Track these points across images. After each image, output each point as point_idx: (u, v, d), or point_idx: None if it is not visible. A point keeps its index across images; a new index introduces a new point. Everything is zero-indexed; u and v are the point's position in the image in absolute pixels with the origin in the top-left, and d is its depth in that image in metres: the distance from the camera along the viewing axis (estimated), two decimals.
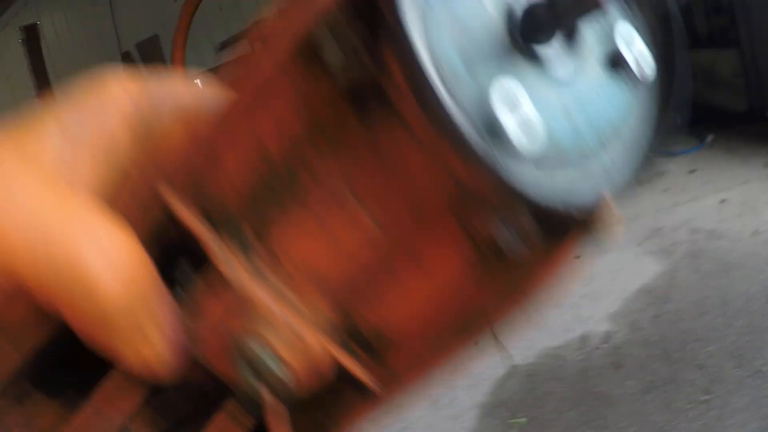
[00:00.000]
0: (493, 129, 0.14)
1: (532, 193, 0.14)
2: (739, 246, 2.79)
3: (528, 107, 0.14)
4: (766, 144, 3.74)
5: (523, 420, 2.28)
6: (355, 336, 0.19)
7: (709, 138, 4.03)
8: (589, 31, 0.17)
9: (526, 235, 0.15)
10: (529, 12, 0.16)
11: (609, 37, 0.17)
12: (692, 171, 3.78)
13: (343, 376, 0.18)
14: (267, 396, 0.16)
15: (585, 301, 2.80)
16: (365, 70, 0.15)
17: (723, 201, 3.25)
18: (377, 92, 0.15)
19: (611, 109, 0.17)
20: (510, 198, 0.14)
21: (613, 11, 0.18)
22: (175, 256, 0.18)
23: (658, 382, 2.28)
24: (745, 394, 2.03)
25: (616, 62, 0.17)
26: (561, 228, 0.16)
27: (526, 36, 0.15)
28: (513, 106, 0.14)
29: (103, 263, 0.16)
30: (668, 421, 2.09)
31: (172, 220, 0.17)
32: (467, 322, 0.18)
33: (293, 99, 0.16)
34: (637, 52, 0.17)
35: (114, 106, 0.19)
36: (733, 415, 1.97)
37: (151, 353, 0.17)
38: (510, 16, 0.16)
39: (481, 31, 0.15)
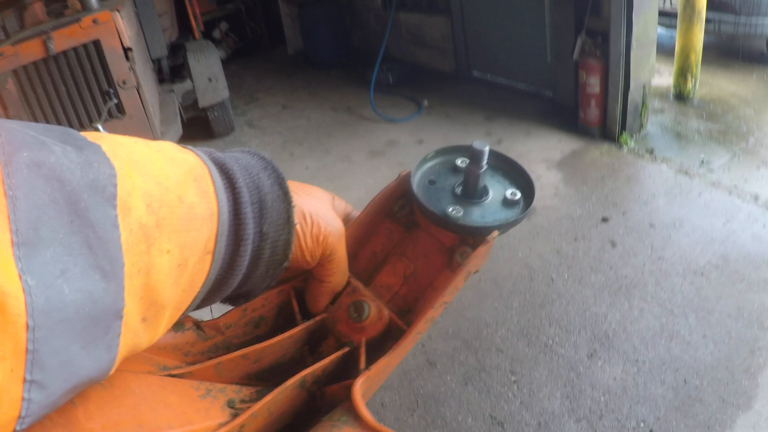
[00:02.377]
0: (447, 216, 0.63)
1: (461, 228, 0.65)
2: None
3: (460, 210, 0.63)
4: (479, 109, 4.53)
5: None
6: (403, 309, 0.67)
7: (425, 103, 4.59)
8: (498, 191, 0.68)
9: (467, 248, 0.65)
10: (461, 191, 0.67)
11: (505, 193, 0.68)
12: (420, 141, 4.22)
13: (392, 324, 0.64)
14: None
15: None
16: (412, 218, 0.70)
17: None
18: (414, 223, 0.70)
19: (499, 215, 0.66)
20: (457, 231, 0.65)
21: (510, 185, 0.70)
22: None
23: (471, 372, 2.49)
24: (543, 368, 2.46)
25: (506, 199, 0.67)
26: (480, 239, 0.64)
27: (459, 197, 0.67)
28: (455, 210, 0.63)
29: (343, 252, 0.61)
30: (493, 406, 2.32)
31: None
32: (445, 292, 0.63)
33: (386, 230, 0.71)
34: (511, 194, 0.67)
35: (343, 201, 0.67)
36: (540, 389, 2.37)
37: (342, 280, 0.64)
38: (455, 190, 0.67)
39: (447, 192, 0.67)
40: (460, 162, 0.71)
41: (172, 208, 0.39)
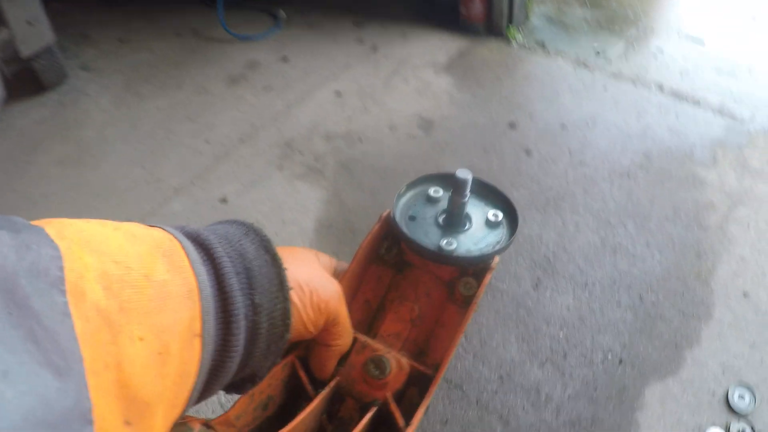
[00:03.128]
0: (441, 251, 0.66)
1: (465, 261, 0.69)
2: (387, 145, 2.90)
3: (452, 242, 0.67)
4: (346, 14, 3.96)
5: None
6: (415, 353, 0.68)
7: (282, 14, 3.92)
8: (478, 214, 0.71)
9: (469, 279, 0.69)
10: (444, 221, 0.70)
11: (486, 215, 0.71)
12: (284, 59, 3.58)
13: (413, 371, 0.65)
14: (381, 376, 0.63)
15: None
16: (401, 258, 0.73)
17: (338, 93, 3.26)
18: (405, 263, 0.73)
19: (489, 238, 0.70)
20: (459, 264, 0.70)
21: (486, 205, 0.73)
22: None
23: None
24: (488, 310, 2.15)
25: (488, 222, 0.71)
26: (483, 270, 0.69)
27: (444, 228, 0.70)
28: (448, 243, 0.66)
29: (346, 313, 0.61)
30: None
31: None
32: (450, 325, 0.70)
33: (375, 275, 0.73)
34: (494, 215, 0.71)
35: (326, 255, 0.66)
36: (491, 336, 2.05)
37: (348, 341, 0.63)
38: (438, 221, 0.71)
39: (431, 225, 0.70)
40: (433, 192, 0.73)
41: (138, 288, 0.36)
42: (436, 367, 0.65)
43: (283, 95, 3.29)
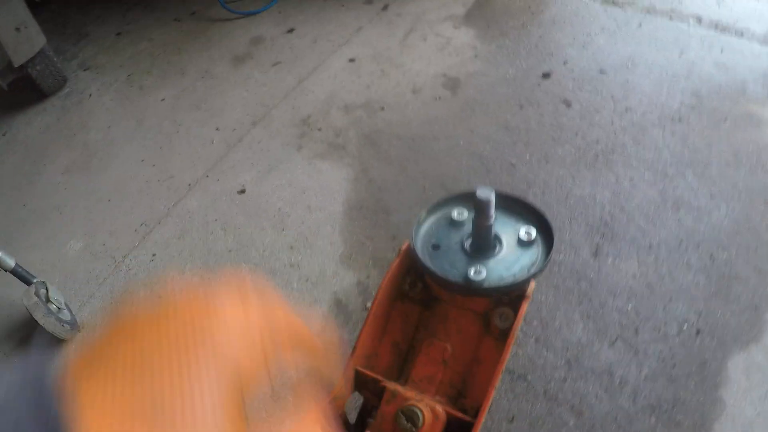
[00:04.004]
0: (470, 282, 0.60)
1: (497, 291, 0.62)
2: (412, 110, 2.68)
3: (481, 270, 0.61)
4: None
5: None
6: (452, 396, 0.63)
7: None
8: (508, 233, 0.65)
9: (504, 309, 0.63)
10: (471, 246, 0.64)
11: (517, 233, 0.65)
12: (290, 30, 3.36)
13: (450, 418, 0.59)
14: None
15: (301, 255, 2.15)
16: (427, 293, 0.66)
17: (352, 60, 3.04)
18: (432, 298, 0.66)
19: (522, 260, 0.63)
20: (483, 294, 0.63)
21: (517, 222, 0.67)
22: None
23: None
24: (546, 287, 1.99)
25: (521, 241, 0.64)
26: (519, 298, 0.62)
27: (471, 254, 0.64)
28: (476, 272, 0.60)
29: None
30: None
31: (365, 382, 0.64)
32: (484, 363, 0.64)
33: (401, 313, 0.68)
34: (526, 233, 0.64)
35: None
36: (553, 316, 1.90)
37: None
38: (464, 247, 0.65)
39: (457, 252, 0.64)
40: (457, 215, 0.67)
41: None
42: (476, 411, 0.60)
43: (294, 69, 3.07)
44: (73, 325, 2.05)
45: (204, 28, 3.57)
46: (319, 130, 2.68)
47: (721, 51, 2.77)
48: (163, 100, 3.06)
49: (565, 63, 2.82)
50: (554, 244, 0.64)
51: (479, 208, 0.59)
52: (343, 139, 2.62)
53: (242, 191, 2.47)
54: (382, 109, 2.73)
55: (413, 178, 2.37)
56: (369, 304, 2.01)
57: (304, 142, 2.63)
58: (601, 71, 2.74)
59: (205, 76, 3.16)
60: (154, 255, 2.30)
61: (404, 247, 0.67)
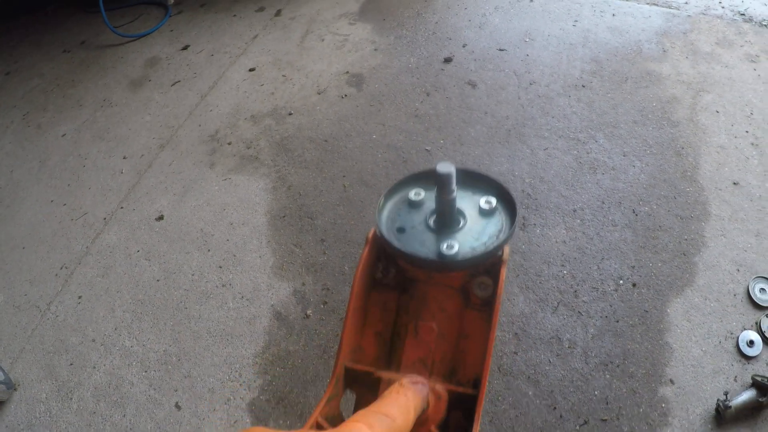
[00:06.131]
0: (444, 257, 0.58)
1: (473, 261, 0.59)
2: (321, 112, 2.61)
3: (453, 244, 0.59)
4: None
5: None
6: (446, 374, 0.61)
7: (170, 1, 3.52)
8: (468, 206, 0.64)
9: (483, 279, 0.62)
10: (435, 224, 0.63)
11: (477, 204, 0.64)
12: (185, 47, 3.22)
13: (451, 396, 0.58)
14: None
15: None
16: (402, 277, 0.65)
17: (252, 69, 2.94)
18: (407, 281, 0.65)
19: (489, 229, 0.62)
20: (460, 267, 0.61)
21: (474, 194, 0.66)
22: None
23: None
24: None
25: (482, 211, 0.63)
26: (494, 265, 0.61)
27: (438, 231, 0.62)
28: (449, 247, 0.59)
29: None
30: None
31: (356, 378, 0.62)
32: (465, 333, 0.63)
33: (378, 302, 0.66)
34: (486, 203, 0.63)
35: None
36: None
37: None
38: (428, 225, 0.63)
39: (423, 232, 0.62)
40: (414, 195, 0.67)
41: None
42: (474, 383, 0.61)
43: (194, 86, 2.96)
44: (9, 384, 1.87)
45: (96, 56, 3.40)
46: (229, 144, 2.59)
47: (613, 15, 2.88)
48: (63, 135, 2.88)
49: (464, 46, 2.84)
50: (516, 207, 0.63)
51: (441, 183, 0.59)
52: (255, 149, 2.53)
53: (160, 218, 2.34)
54: (290, 114, 2.67)
55: (332, 179, 2.32)
56: (310, 312, 1.94)
57: (216, 159, 2.53)
58: (501, 49, 2.78)
59: (104, 105, 3.00)
60: (80, 297, 2.14)
61: (370, 234, 0.65)
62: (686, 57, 2.60)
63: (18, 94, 3.26)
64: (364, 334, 0.66)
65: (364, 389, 0.63)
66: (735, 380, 1.64)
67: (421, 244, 0.62)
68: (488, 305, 0.63)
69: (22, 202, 2.60)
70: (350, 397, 0.62)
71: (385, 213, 0.67)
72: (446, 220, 0.63)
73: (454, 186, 0.59)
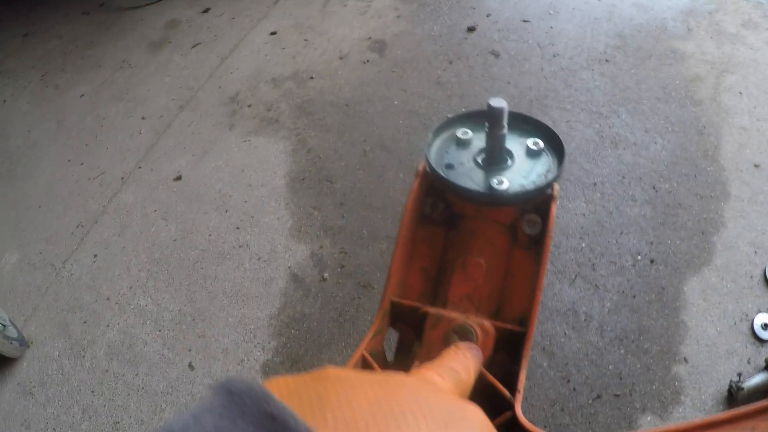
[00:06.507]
0: (495, 191, 0.59)
1: (524, 196, 0.59)
2: (342, 76, 2.60)
3: (502, 180, 0.59)
4: None
5: None
6: (492, 312, 0.61)
7: None
8: (516, 147, 0.64)
9: (531, 216, 0.62)
10: (484, 161, 0.63)
11: (525, 145, 0.64)
12: (206, 10, 3.20)
13: (499, 332, 0.58)
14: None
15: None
16: (450, 212, 0.66)
17: (274, 33, 2.92)
18: (456, 216, 0.66)
19: (537, 168, 0.62)
20: (511, 202, 0.60)
21: (521, 136, 0.65)
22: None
23: None
24: None
25: (530, 151, 0.63)
26: (544, 203, 0.62)
27: (487, 168, 0.62)
28: (499, 182, 0.59)
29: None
30: None
31: (401, 313, 0.62)
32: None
33: (425, 238, 0.66)
34: (534, 143, 0.63)
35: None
36: None
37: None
38: (477, 162, 0.63)
39: (472, 169, 0.63)
40: (462, 134, 0.66)
41: None
42: (521, 321, 0.60)
43: (215, 48, 2.94)
44: (21, 341, 1.90)
45: (115, 19, 3.38)
46: (249, 106, 2.58)
47: None
48: (82, 96, 2.87)
49: (488, 15, 2.81)
50: (564, 148, 0.62)
51: (493, 118, 0.58)
52: (275, 112, 2.53)
53: (178, 178, 2.35)
54: (312, 78, 2.65)
55: (352, 143, 2.31)
56: (326, 275, 1.95)
57: (235, 120, 2.53)
58: (525, 20, 2.75)
59: (123, 67, 2.99)
60: (95, 256, 2.16)
61: (420, 168, 0.66)
62: (711, 37, 2.57)
63: (36, 55, 3.25)
64: (410, 270, 0.66)
65: (407, 327, 0.63)
66: (748, 362, 1.64)
67: (470, 179, 0.62)
68: (536, 243, 0.63)
69: (39, 161, 2.60)
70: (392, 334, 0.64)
71: (433, 150, 0.66)
72: (496, 157, 0.62)
73: (505, 121, 0.59)
